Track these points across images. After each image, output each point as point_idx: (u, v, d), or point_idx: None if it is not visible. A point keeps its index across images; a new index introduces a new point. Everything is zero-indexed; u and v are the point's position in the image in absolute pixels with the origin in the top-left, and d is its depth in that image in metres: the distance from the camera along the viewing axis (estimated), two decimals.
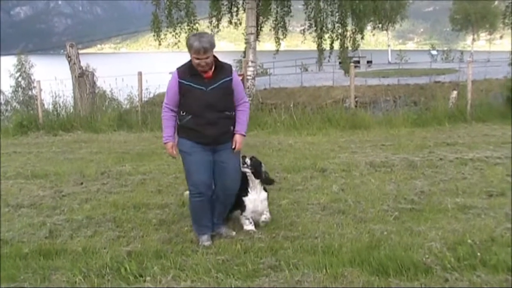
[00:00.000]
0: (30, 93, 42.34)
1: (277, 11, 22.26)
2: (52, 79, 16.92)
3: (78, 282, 4.54)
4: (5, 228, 6.17)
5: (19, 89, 44.95)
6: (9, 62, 46.71)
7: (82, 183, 8.43)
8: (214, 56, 5.35)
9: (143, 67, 17.85)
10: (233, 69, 5.55)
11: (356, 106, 15.84)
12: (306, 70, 43.54)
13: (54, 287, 4.51)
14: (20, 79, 46.05)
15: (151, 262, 4.84)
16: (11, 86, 44.19)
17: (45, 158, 11.12)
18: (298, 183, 7.84)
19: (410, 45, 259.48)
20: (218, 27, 22.18)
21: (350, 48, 22.04)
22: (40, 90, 17.28)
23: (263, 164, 5.87)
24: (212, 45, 5.27)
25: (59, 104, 16.78)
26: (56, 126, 15.60)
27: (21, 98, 42.46)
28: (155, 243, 5.41)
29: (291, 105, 15.02)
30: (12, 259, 5.14)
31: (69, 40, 20.15)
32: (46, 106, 17.35)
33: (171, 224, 6.04)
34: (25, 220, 6.46)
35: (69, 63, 17.31)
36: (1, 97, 41.54)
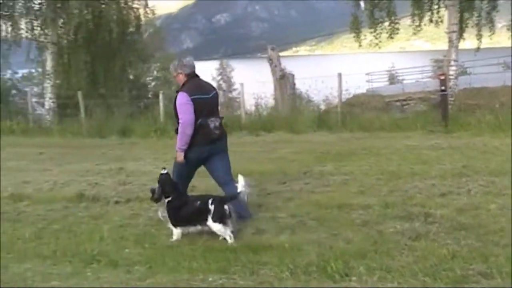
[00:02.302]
0: (230, 95, 44.61)
1: (481, 6, 21.13)
2: (252, 82, 17.60)
3: (285, 277, 4.69)
4: None
5: (220, 91, 47.67)
6: (212, 66, 49.50)
7: (285, 182, 8.62)
8: (189, 80, 6.51)
9: (340, 69, 17.94)
10: (179, 94, 6.43)
11: None
12: (509, 68, 40.84)
13: (262, 281, 4.70)
14: (221, 82, 48.83)
15: (357, 262, 4.86)
16: None
17: (249, 157, 11.51)
18: (507, 187, 7.36)
19: None
20: (420, 26, 21.57)
21: None
22: (243, 92, 18.09)
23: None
24: (172, 69, 6.64)
25: (261, 105, 17.42)
26: (257, 126, 16.08)
27: (222, 100, 44.90)
28: (359, 243, 5.42)
29: (496, 105, 14.20)
30: (223, 252, 5.43)
31: (265, 43, 20.86)
32: (248, 108, 18.10)
33: (374, 225, 6.00)
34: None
35: (270, 66, 17.95)
36: None
